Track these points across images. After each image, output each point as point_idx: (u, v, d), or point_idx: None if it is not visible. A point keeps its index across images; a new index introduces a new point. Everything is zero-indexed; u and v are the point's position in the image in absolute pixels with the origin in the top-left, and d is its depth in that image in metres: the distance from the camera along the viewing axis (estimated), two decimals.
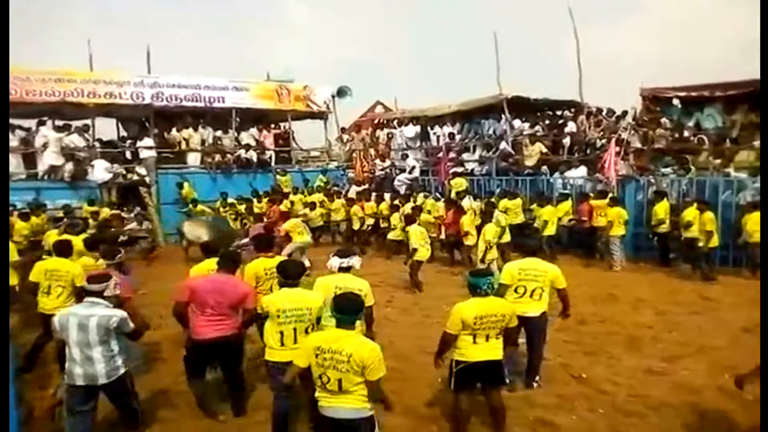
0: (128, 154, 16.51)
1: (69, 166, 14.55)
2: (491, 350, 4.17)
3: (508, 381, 4.75)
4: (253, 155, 17.71)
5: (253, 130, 18.87)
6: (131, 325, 4.21)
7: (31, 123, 15.38)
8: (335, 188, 16.34)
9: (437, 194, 14.25)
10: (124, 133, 17.83)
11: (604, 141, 13.20)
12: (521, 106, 15.40)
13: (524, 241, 6.09)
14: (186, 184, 15.89)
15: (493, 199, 12.19)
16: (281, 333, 4.15)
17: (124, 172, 15.57)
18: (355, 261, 4.88)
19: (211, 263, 5.15)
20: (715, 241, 9.62)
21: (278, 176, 17.57)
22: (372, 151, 19.06)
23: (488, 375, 4.24)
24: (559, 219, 11.60)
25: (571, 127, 14.65)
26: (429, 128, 17.94)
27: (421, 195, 13.92)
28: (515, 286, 5.11)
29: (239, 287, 4.79)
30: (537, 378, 5.37)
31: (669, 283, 9.65)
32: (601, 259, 11.20)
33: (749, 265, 9.74)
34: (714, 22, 44.49)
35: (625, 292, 8.90)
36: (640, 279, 9.99)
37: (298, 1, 75.83)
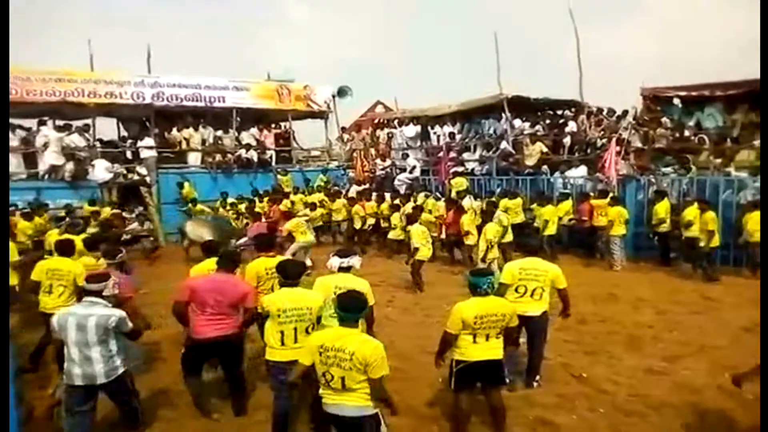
0: (129, 154, 16.51)
1: (70, 166, 14.54)
2: (491, 350, 4.17)
3: (508, 380, 4.77)
4: (253, 155, 17.70)
5: (254, 130, 18.86)
6: (130, 324, 4.20)
7: (31, 123, 15.36)
8: (336, 188, 16.35)
9: (438, 194, 14.23)
10: (124, 133, 17.82)
11: (604, 140, 13.17)
12: (522, 106, 15.36)
13: (525, 240, 6.10)
14: (186, 184, 15.88)
15: (493, 199, 12.19)
16: (282, 332, 4.15)
17: (125, 171, 15.56)
18: (355, 261, 4.88)
19: (212, 263, 5.16)
20: (716, 241, 9.59)
21: (279, 176, 17.57)
22: (372, 151, 19.02)
23: (488, 375, 4.24)
24: (560, 218, 11.59)
25: (571, 126, 14.62)
26: (429, 128, 17.92)
27: (422, 194, 13.91)
28: (516, 285, 5.12)
29: (239, 286, 4.79)
30: (537, 377, 5.37)
31: (669, 283, 9.63)
32: (602, 258, 11.19)
33: (750, 264, 9.72)
34: (714, 23, 44.56)
35: (626, 292, 8.89)
36: (640, 278, 9.98)
37: (298, 1, 75.88)
